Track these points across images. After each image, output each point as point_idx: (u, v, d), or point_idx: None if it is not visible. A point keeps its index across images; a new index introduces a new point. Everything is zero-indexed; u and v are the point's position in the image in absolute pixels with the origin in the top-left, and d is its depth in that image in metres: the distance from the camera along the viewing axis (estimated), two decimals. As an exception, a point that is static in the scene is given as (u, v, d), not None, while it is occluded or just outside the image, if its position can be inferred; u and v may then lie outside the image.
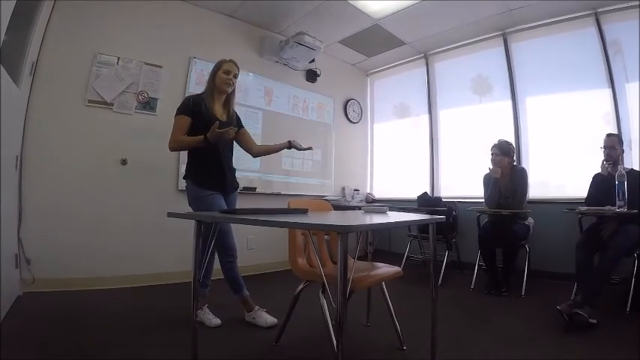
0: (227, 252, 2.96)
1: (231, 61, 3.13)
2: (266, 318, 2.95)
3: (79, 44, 4.04)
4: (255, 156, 3.47)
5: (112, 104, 4.21)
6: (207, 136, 2.74)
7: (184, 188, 3.11)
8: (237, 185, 3.26)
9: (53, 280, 3.68)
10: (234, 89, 3.17)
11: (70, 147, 3.94)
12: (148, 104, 4.46)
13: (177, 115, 2.95)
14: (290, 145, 3.30)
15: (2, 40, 2.42)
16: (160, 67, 4.57)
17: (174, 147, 2.97)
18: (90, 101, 4.08)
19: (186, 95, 3.23)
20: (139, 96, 4.39)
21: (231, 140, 3.15)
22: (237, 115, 3.32)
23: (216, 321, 2.97)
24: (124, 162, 4.23)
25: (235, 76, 3.13)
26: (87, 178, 4.02)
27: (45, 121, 3.81)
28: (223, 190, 3.05)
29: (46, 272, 3.66)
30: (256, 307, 3.03)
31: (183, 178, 3.10)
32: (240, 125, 3.27)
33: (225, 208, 2.92)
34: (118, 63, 4.27)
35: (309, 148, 3.39)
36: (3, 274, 2.96)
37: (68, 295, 3.59)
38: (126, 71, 4.31)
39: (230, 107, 3.20)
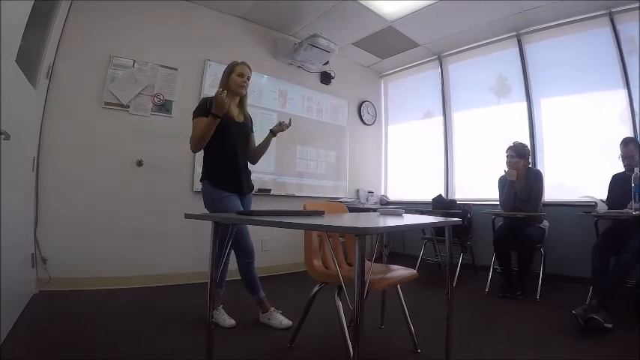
0: (246, 253, 2.98)
1: (243, 63, 3.12)
2: (281, 320, 2.95)
3: (94, 47, 4.10)
4: (253, 162, 3.33)
5: (128, 106, 4.25)
6: (213, 111, 2.72)
7: (200, 190, 3.11)
8: (252, 187, 3.25)
9: (69, 280, 3.73)
10: (246, 92, 3.17)
11: (86, 148, 3.99)
12: (164, 106, 4.50)
13: (195, 117, 2.93)
14: (274, 133, 3.24)
15: (19, 43, 2.45)
16: (176, 69, 4.61)
17: (196, 145, 2.91)
18: (106, 103, 4.12)
19: (202, 97, 3.17)
20: (155, 98, 4.43)
21: (247, 142, 3.17)
22: (251, 118, 3.32)
23: (230, 321, 2.98)
24: (139, 163, 4.27)
25: (248, 78, 3.12)
26: (103, 179, 4.06)
27: (61, 122, 3.86)
28: (239, 192, 3.03)
29: (61, 271, 3.71)
30: (272, 309, 3.02)
31: (200, 180, 3.08)
32: (251, 129, 3.28)
33: (241, 209, 2.90)
34: (133, 66, 4.31)
35: (289, 123, 3.28)
36: (19, 273, 3.03)
37: (83, 294, 3.63)
38: (141, 74, 4.35)
39: (245, 109, 3.20)
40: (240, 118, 3.12)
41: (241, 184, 3.04)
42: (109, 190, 4.09)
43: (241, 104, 3.19)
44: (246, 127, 3.17)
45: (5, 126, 2.12)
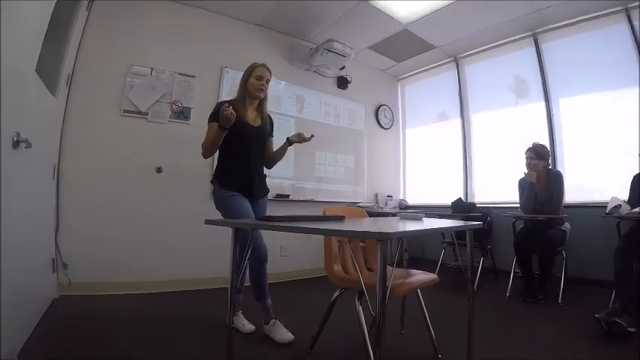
0: (258, 257, 2.88)
1: (263, 65, 3.05)
2: (283, 334, 2.80)
3: (113, 56, 4.17)
4: (268, 167, 3.27)
5: (147, 114, 4.31)
6: (219, 123, 2.68)
7: None
8: (266, 190, 3.19)
9: (89, 284, 3.78)
10: (266, 94, 3.10)
11: (106, 155, 4.05)
12: (182, 113, 4.54)
13: (208, 122, 2.90)
14: (290, 142, 3.15)
15: (39, 52, 2.49)
16: (193, 76, 4.66)
17: (206, 152, 2.90)
18: (125, 111, 4.19)
19: (218, 102, 3.14)
20: (173, 105, 4.47)
21: (263, 147, 3.12)
22: (271, 121, 3.25)
23: (250, 327, 2.97)
24: (159, 170, 4.31)
25: (267, 81, 3.05)
26: (123, 186, 4.12)
27: (81, 130, 3.93)
28: (250, 195, 2.96)
29: (82, 276, 3.76)
30: (275, 320, 2.88)
31: (211, 181, 3.08)
32: (270, 133, 3.22)
33: (251, 210, 2.87)
34: (151, 74, 4.37)
35: (309, 138, 3.16)
36: (40, 278, 3.08)
37: (103, 299, 3.67)
38: (159, 81, 4.41)
39: (264, 112, 3.12)
40: (256, 122, 3.05)
41: (251, 188, 2.96)
42: (129, 197, 4.14)
43: (260, 107, 3.12)
44: (262, 131, 3.08)
45: (26, 134, 2.16)
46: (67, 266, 3.71)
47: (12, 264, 2.11)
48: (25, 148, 2.19)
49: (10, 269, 2.08)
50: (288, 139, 3.16)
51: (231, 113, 2.59)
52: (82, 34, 3.94)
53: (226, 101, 2.93)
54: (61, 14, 3.06)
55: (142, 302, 3.73)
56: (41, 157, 3.00)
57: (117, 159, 4.10)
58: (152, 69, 4.38)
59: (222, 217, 2.86)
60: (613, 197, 3.69)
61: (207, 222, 2.00)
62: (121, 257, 3.99)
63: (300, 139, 3.12)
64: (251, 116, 3.04)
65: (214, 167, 3.13)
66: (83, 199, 3.89)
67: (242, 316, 3.05)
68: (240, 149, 2.93)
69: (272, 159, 3.24)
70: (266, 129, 3.13)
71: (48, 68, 2.96)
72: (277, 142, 3.27)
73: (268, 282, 2.97)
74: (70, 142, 3.85)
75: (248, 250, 2.24)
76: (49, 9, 2.62)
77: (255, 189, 3.00)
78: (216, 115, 2.79)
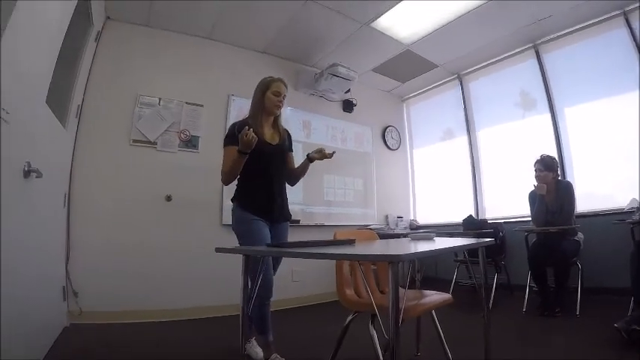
0: (263, 287, 2.68)
1: (280, 80, 2.94)
2: None
3: (121, 86, 4.27)
4: (291, 184, 3.13)
5: (156, 143, 4.37)
6: (239, 148, 2.55)
7: (228, 222, 3.07)
8: (288, 216, 3.02)
9: (100, 313, 3.77)
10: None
11: (116, 185, 4.10)
12: (190, 142, 4.59)
13: (224, 146, 2.79)
14: (310, 159, 2.97)
15: (49, 84, 2.55)
16: (201, 105, 4.73)
17: (226, 179, 2.77)
18: (134, 141, 4.25)
19: (231, 123, 2.98)
20: (181, 134, 4.52)
21: (283, 164, 3.00)
22: (289, 135, 3.12)
23: (262, 354, 2.88)
24: (168, 198, 4.34)
25: (284, 97, 2.93)
26: (133, 215, 4.14)
27: (91, 160, 3.99)
28: (270, 218, 2.84)
29: (92, 305, 3.75)
30: (275, 355, 2.74)
31: (231, 200, 2.90)
32: (289, 148, 3.08)
33: (269, 237, 2.77)
34: (159, 103, 4.44)
35: (331, 155, 2.97)
36: (51, 306, 3.09)
37: (114, 328, 3.66)
38: (167, 111, 4.47)
39: (280, 128, 3.00)
40: (274, 140, 2.92)
41: (272, 211, 2.83)
42: (139, 225, 4.16)
43: (275, 124, 3.00)
44: (281, 148, 2.96)
45: (37, 164, 2.20)
46: (77, 294, 3.72)
47: (23, 292, 2.13)
48: (36, 177, 2.23)
49: (21, 297, 2.10)
50: (308, 155, 2.99)
51: (253, 137, 2.47)
52: (90, 65, 4.05)
53: (239, 121, 2.86)
54: (71, 45, 3.13)
55: (153, 331, 3.71)
56: (52, 187, 3.04)
57: (126, 188, 4.15)
58: (160, 99, 4.46)
59: (236, 237, 2.82)
60: (633, 199, 3.64)
61: (218, 250, 2.00)
62: (131, 286, 3.99)
63: (321, 155, 2.95)
64: (268, 134, 2.92)
65: (228, 195, 3.07)
66: (93, 227, 3.92)
67: (255, 343, 2.98)
68: (261, 170, 2.80)
69: (294, 175, 3.11)
70: (285, 145, 3.02)
71: (58, 99, 3.02)
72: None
73: (281, 308, 2.92)
74: (80, 172, 3.91)
75: (259, 278, 2.22)
76: (59, 40, 2.69)
77: (276, 212, 2.88)
78: (232, 138, 2.70)
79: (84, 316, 3.69)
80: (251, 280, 2.09)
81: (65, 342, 3.14)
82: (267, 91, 2.88)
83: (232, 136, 2.70)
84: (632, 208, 3.44)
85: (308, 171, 3.10)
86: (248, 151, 2.55)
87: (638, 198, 3.73)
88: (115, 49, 4.27)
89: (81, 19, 3.39)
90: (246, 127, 2.49)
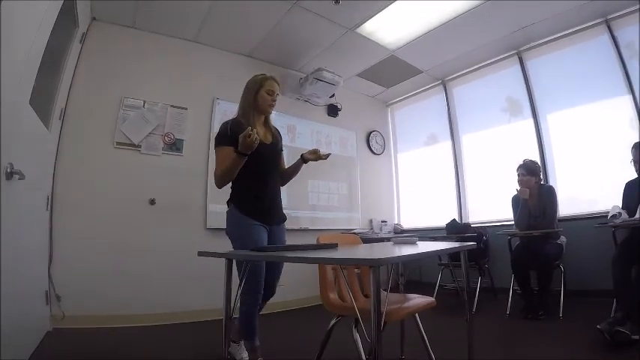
0: (267, 293, 2.73)
1: (272, 78, 2.84)
2: None
3: (105, 89, 4.23)
4: (282, 184, 3.03)
5: (140, 146, 4.33)
6: (240, 150, 2.40)
7: (213, 226, 3.05)
8: (284, 217, 2.96)
9: (83, 317, 3.72)
10: None
11: (99, 187, 4.06)
12: (174, 145, 4.57)
13: (216, 146, 2.68)
14: (304, 160, 2.93)
15: (33, 85, 2.53)
16: (185, 108, 4.71)
17: (220, 181, 2.64)
18: (118, 143, 4.22)
19: (222, 122, 2.82)
20: (166, 137, 4.50)
21: (277, 164, 2.93)
22: (279, 134, 3.02)
23: (245, 356, 2.80)
24: (152, 202, 4.31)
25: (277, 95, 2.86)
26: (116, 218, 4.10)
27: (75, 162, 3.95)
28: (270, 221, 2.77)
29: (75, 309, 3.69)
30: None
31: (227, 202, 2.79)
32: (280, 148, 2.98)
33: (266, 243, 2.69)
34: (144, 106, 4.41)
35: (326, 156, 2.96)
36: (33, 310, 3.06)
37: (98, 332, 3.62)
38: (152, 114, 4.44)
39: (271, 127, 2.94)
40: (267, 139, 2.82)
41: (270, 213, 2.77)
42: (123, 229, 4.12)
43: (266, 123, 2.92)
44: (275, 148, 2.88)
45: (20, 166, 2.18)
46: (60, 298, 3.66)
47: (4, 296, 2.09)
48: (19, 179, 2.21)
49: (2, 301, 2.06)
50: (302, 156, 2.94)
51: (256, 138, 2.33)
52: (75, 67, 4.02)
53: (231, 120, 2.75)
54: (55, 46, 3.10)
55: (138, 335, 3.67)
56: (35, 189, 3.01)
57: (110, 191, 4.11)
58: (145, 101, 4.43)
59: (228, 241, 2.76)
60: (614, 206, 3.70)
61: (201, 254, 2.00)
62: (115, 290, 3.94)
63: (315, 156, 2.91)
64: (261, 133, 2.77)
65: (213, 200, 3.03)
66: (77, 230, 3.87)
67: (243, 346, 2.86)
68: (259, 171, 2.70)
69: (286, 175, 3.05)
70: (278, 145, 2.94)
71: (42, 100, 2.99)
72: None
73: (264, 313, 2.88)
74: (64, 174, 3.87)
75: (253, 283, 2.20)
76: (44, 40, 2.66)
77: (275, 214, 2.84)
78: (225, 138, 2.62)
79: (67, 320, 3.63)
80: (246, 283, 2.07)
81: (48, 347, 3.09)
82: (260, 90, 2.79)
83: (225, 136, 2.62)
84: (615, 213, 3.49)
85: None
86: (249, 152, 2.42)
87: (619, 204, 3.79)
88: (100, 51, 4.23)
89: (66, 19, 3.36)
90: (249, 127, 2.35)
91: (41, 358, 2.81)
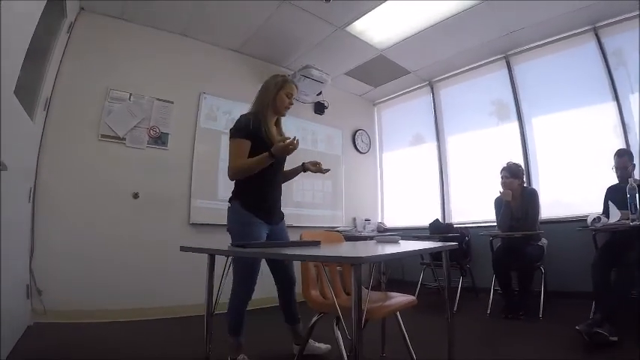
0: (292, 281, 2.90)
1: (293, 82, 2.88)
2: None
3: (91, 81, 4.17)
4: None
5: (125, 139, 4.29)
6: (272, 151, 2.46)
7: (196, 221, 3.02)
8: (282, 215, 3.04)
9: (64, 312, 3.68)
10: None
11: (83, 180, 4.01)
12: (160, 139, 4.53)
13: (234, 137, 2.64)
14: (305, 169, 2.99)
15: (18, 75, 2.49)
16: (171, 102, 4.67)
17: (237, 174, 2.64)
18: (103, 136, 4.17)
19: (240, 115, 2.80)
20: (151, 131, 4.47)
21: (283, 166, 2.96)
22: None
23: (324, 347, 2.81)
24: (135, 196, 4.28)
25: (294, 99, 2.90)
26: (99, 211, 4.07)
27: (58, 154, 3.90)
28: (270, 220, 2.81)
29: (57, 303, 3.66)
30: (243, 356, 2.65)
31: (229, 199, 2.77)
32: None
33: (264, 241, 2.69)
34: (130, 99, 4.37)
35: (326, 171, 3.00)
36: (14, 304, 3.00)
37: (79, 327, 3.58)
38: (138, 107, 4.41)
39: (281, 129, 2.97)
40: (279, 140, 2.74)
41: (272, 213, 2.83)
42: (105, 222, 4.08)
43: (277, 123, 2.94)
44: None
45: (2, 157, 2.15)
46: (41, 292, 3.61)
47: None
48: (1, 171, 2.17)
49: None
50: (303, 164, 3.00)
51: (293, 144, 2.42)
52: (61, 58, 3.96)
53: (246, 115, 2.76)
54: (42, 36, 3.06)
55: (121, 331, 3.65)
56: (17, 181, 2.96)
57: (94, 184, 4.06)
58: (131, 94, 4.39)
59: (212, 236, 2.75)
60: (591, 214, 3.77)
61: (183, 249, 2.00)
62: (97, 284, 3.90)
63: (316, 168, 2.97)
64: (274, 133, 2.84)
65: (197, 195, 3.01)
66: (59, 223, 3.82)
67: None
68: (269, 170, 2.66)
69: (285, 177, 3.08)
70: None
71: (26, 92, 2.94)
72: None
73: (248, 308, 2.84)
74: (47, 166, 3.82)
75: (249, 280, 2.20)
76: (30, 29, 2.63)
77: (275, 213, 2.90)
78: (244, 131, 2.62)
79: (48, 314, 3.59)
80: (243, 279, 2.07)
81: (29, 341, 3.06)
82: (280, 91, 2.80)
83: (246, 129, 2.63)
84: (595, 217, 3.55)
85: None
86: (281, 157, 2.54)
87: (595, 210, 3.86)
88: (87, 42, 4.17)
89: (54, 9, 3.32)
90: (295, 137, 2.44)
91: (22, 353, 2.78)
